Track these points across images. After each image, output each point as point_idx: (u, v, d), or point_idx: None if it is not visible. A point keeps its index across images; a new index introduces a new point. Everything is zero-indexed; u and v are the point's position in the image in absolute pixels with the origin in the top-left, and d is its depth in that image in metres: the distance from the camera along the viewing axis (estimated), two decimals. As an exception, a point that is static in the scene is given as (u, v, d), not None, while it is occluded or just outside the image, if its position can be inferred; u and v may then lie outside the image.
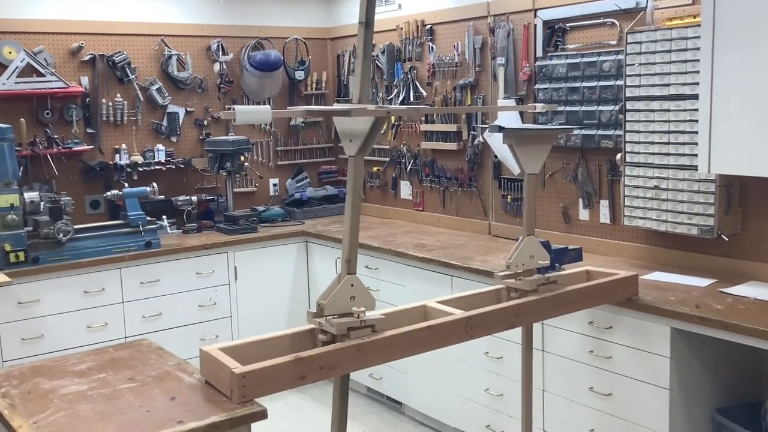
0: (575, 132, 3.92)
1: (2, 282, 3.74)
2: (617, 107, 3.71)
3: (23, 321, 4.07)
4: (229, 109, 2.09)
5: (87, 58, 4.84)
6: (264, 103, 5.56)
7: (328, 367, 2.23)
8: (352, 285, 2.33)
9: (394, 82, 5.18)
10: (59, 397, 2.16)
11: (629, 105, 3.57)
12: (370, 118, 2.25)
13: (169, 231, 4.88)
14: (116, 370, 2.38)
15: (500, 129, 2.85)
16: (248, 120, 2.29)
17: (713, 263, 3.48)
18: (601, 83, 3.80)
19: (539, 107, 3.15)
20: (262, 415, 2.06)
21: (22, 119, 4.48)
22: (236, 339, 4.74)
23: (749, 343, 2.73)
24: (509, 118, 4.18)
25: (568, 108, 3.96)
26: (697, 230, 3.38)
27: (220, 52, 5.33)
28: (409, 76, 5.05)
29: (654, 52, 3.43)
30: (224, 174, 5.16)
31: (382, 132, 5.33)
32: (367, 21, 2.29)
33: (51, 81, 4.59)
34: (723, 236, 3.33)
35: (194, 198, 5.09)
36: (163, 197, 4.96)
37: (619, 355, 3.16)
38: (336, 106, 2.48)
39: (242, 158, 5.17)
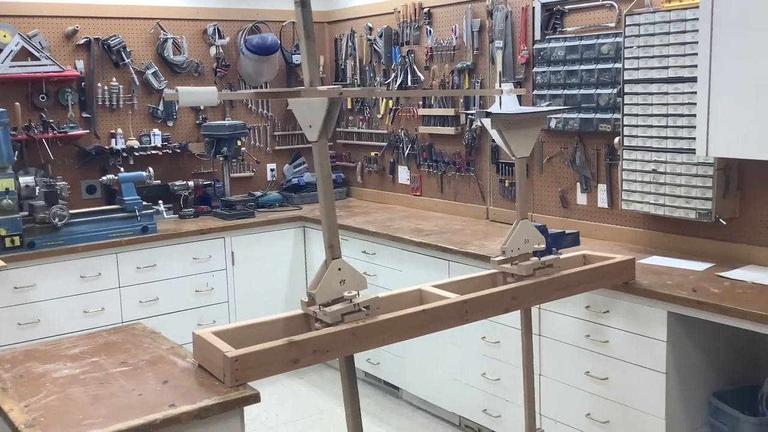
0: (572, 116, 3.89)
1: (-3, 267, 3.73)
2: (615, 90, 3.68)
3: (19, 306, 4.06)
4: (175, 90, 2.05)
5: (82, 41, 4.80)
6: (260, 88, 5.52)
7: (321, 351, 2.22)
8: (339, 269, 2.32)
9: (392, 66, 5.15)
10: (51, 381, 2.15)
11: (627, 88, 3.54)
12: (325, 101, 2.22)
13: (166, 216, 4.86)
14: (109, 354, 2.37)
15: (487, 114, 2.83)
16: (193, 101, 2.25)
17: (711, 247, 3.46)
18: (600, 66, 3.77)
19: (506, 89, 3.12)
20: (254, 398, 2.05)
21: (17, 103, 4.45)
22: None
23: (746, 327, 2.71)
24: (508, 103, 4.15)
25: (566, 91, 3.93)
26: (695, 214, 3.36)
27: (217, 35, 5.29)
28: (406, 59, 5.01)
29: (653, 35, 3.40)
30: (221, 159, 5.13)
31: (379, 116, 5.32)
32: (302, 0, 2.25)
33: (46, 65, 4.56)
34: (721, 220, 3.31)
35: (191, 183, 5.07)
36: (159, 182, 4.93)
37: (615, 339, 3.15)
38: (286, 89, 2.46)
39: (239, 143, 5.13)
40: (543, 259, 2.87)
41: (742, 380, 3.20)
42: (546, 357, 3.47)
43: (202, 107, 5.29)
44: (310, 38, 2.26)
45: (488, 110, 2.86)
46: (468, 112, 4.58)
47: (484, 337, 3.77)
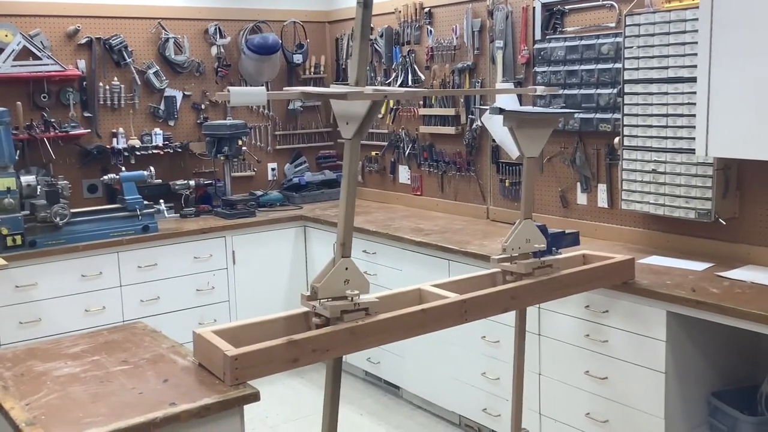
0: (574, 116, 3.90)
1: (-1, 265, 3.75)
2: (615, 90, 3.69)
3: (20, 305, 4.07)
4: (226, 91, 2.08)
5: (84, 41, 4.81)
6: (263, 86, 5.54)
7: (321, 350, 2.23)
8: (346, 268, 2.33)
9: (393, 66, 5.16)
10: (52, 379, 2.16)
11: (627, 88, 3.54)
12: (367, 101, 2.23)
13: (167, 215, 4.86)
14: (110, 353, 2.38)
15: (501, 111, 2.83)
16: (243, 101, 2.27)
17: (710, 247, 3.47)
18: (600, 66, 3.77)
19: (540, 90, 3.12)
20: (254, 397, 2.06)
21: (19, 103, 4.46)
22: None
23: (745, 326, 2.72)
24: (508, 102, 4.15)
25: (566, 91, 3.94)
26: (695, 214, 3.36)
27: (218, 35, 5.30)
28: (407, 59, 5.02)
29: (653, 35, 3.41)
30: (222, 158, 5.14)
31: (380, 116, 5.33)
32: (366, 1, 2.26)
33: (47, 64, 4.57)
34: (720, 220, 3.32)
35: (192, 182, 5.08)
36: (160, 181, 4.94)
37: (615, 339, 3.15)
38: (333, 89, 2.46)
39: (240, 142, 5.14)
40: (543, 258, 2.88)
41: (741, 380, 3.20)
42: (546, 356, 3.47)
43: (203, 106, 5.30)
44: (365, 39, 2.25)
45: (501, 107, 2.85)
46: (479, 107, 4.52)
47: (484, 337, 3.78)
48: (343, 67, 5.70)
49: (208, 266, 4.73)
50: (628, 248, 3.68)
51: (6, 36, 4.50)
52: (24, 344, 2.71)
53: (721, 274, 3.14)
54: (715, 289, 2.95)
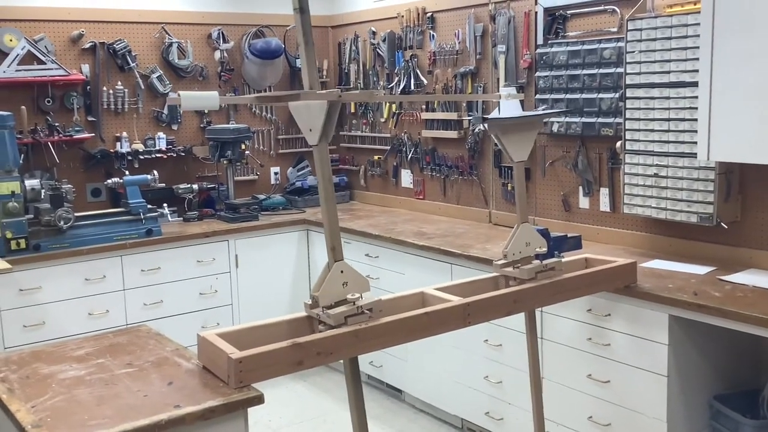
0: (575, 120, 3.91)
1: (3, 269, 3.76)
2: (617, 95, 3.70)
3: (25, 308, 4.08)
4: (177, 95, 2.09)
5: (88, 45, 4.84)
6: (264, 92, 5.56)
7: (325, 353, 2.24)
8: (342, 271, 2.34)
9: (395, 71, 5.17)
10: (57, 382, 2.17)
11: (629, 92, 3.55)
12: (324, 104, 2.25)
13: (170, 219, 4.88)
14: (115, 356, 2.39)
15: (484, 119, 2.86)
16: (194, 106, 2.29)
17: (712, 251, 3.48)
18: (602, 71, 3.79)
19: (504, 93, 3.15)
20: (258, 400, 2.07)
21: (23, 107, 4.48)
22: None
23: (747, 330, 2.73)
24: (510, 107, 4.16)
25: (568, 96, 3.95)
26: (697, 218, 3.37)
27: (221, 40, 5.32)
28: (410, 64, 5.04)
29: (654, 39, 3.42)
30: (225, 162, 5.16)
31: (383, 120, 5.35)
32: (301, 6, 2.30)
33: (52, 69, 4.59)
34: (722, 224, 3.32)
35: (195, 186, 5.10)
36: (164, 185, 4.95)
37: (617, 343, 3.16)
38: (285, 92, 2.49)
39: (243, 146, 5.17)
40: (545, 262, 2.89)
41: (743, 383, 3.21)
42: (548, 360, 3.48)
43: (206, 111, 5.32)
44: (309, 44, 2.30)
45: (485, 116, 2.89)
46: (477, 115, 4.56)
47: (486, 340, 3.79)
48: (346, 71, 5.72)
49: (212, 270, 4.75)
50: (630, 252, 3.69)
51: (11, 41, 4.53)
52: (28, 347, 2.72)
53: (723, 277, 3.15)
54: (717, 292, 2.95)
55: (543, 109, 3.96)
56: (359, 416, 2.43)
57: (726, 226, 3.33)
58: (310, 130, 2.33)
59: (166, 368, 2.27)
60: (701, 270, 3.29)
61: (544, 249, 2.90)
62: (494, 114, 3.15)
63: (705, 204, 3.33)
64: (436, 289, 2.72)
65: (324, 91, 2.27)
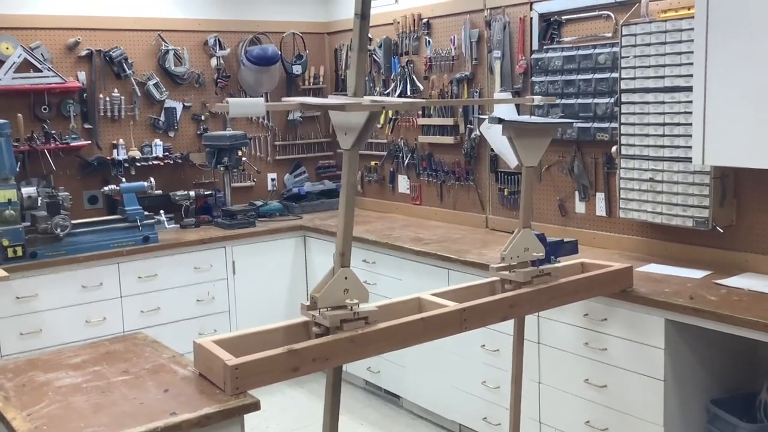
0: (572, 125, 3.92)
1: (0, 277, 3.75)
2: (612, 100, 3.71)
3: (21, 316, 4.08)
4: (224, 101, 2.10)
5: (84, 53, 4.84)
6: (263, 97, 5.57)
7: (321, 359, 2.24)
8: (346, 278, 2.34)
9: (391, 76, 5.19)
10: (54, 390, 2.17)
11: (624, 97, 3.57)
12: (365, 112, 2.25)
13: (167, 226, 4.89)
14: (111, 363, 2.39)
15: (500, 121, 2.86)
16: (242, 113, 2.29)
17: (708, 255, 3.48)
18: (597, 76, 3.80)
19: (537, 99, 3.15)
20: (255, 406, 2.07)
21: (20, 115, 4.48)
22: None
23: (743, 334, 2.73)
24: (506, 112, 4.18)
25: (564, 101, 3.96)
26: (692, 222, 3.38)
27: (217, 47, 5.33)
28: (406, 69, 5.05)
29: (649, 45, 3.43)
30: (222, 169, 5.16)
31: (379, 126, 5.36)
32: (363, 12, 2.27)
33: (48, 76, 4.60)
34: (718, 228, 3.33)
35: (192, 193, 5.10)
36: (160, 192, 4.95)
37: (614, 347, 3.17)
38: (331, 100, 2.47)
39: (240, 153, 5.17)
40: (541, 267, 2.89)
41: (740, 387, 3.21)
42: (545, 365, 3.48)
43: (203, 117, 5.33)
44: (363, 51, 2.25)
45: (501, 117, 2.88)
46: (477, 116, 4.54)
47: (483, 345, 3.79)
48: (342, 77, 5.73)
49: (209, 276, 4.75)
50: (626, 256, 3.70)
51: (7, 48, 4.53)
52: (25, 355, 2.72)
53: (719, 281, 3.16)
54: (713, 296, 2.96)
55: (559, 117, 3.95)
56: (332, 422, 2.42)
57: (721, 230, 3.34)
58: (345, 134, 2.31)
59: (162, 375, 2.27)
60: (697, 274, 3.30)
61: (541, 255, 2.91)
62: (490, 117, 3.15)
63: (700, 208, 3.33)
64: (433, 294, 2.72)
65: (368, 101, 2.25)
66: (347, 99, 2.30)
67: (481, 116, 4.49)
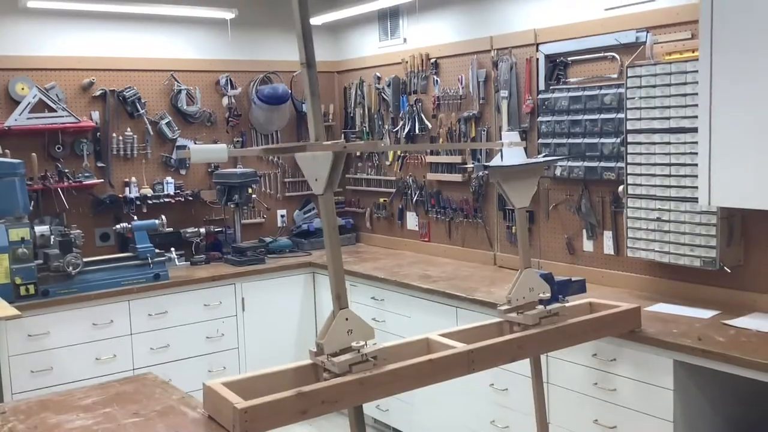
0: (577, 164, 3.95)
1: (13, 315, 3.78)
2: (619, 140, 3.75)
3: (33, 353, 4.10)
4: (186, 148, 2.15)
5: (98, 93, 4.93)
6: (271, 136, 5.65)
7: (330, 402, 2.25)
8: (346, 319, 2.36)
9: (400, 114, 5.25)
10: (65, 432, 2.19)
11: (630, 138, 3.60)
12: (329, 155, 2.30)
13: (177, 263, 4.92)
14: (121, 405, 2.41)
15: (485, 167, 2.90)
16: (203, 159, 2.34)
17: (716, 295, 3.48)
18: (603, 116, 3.84)
19: (506, 140, 3.20)
20: (263, 449, 2.08)
21: (34, 154, 4.56)
22: (243, 370, 4.78)
23: (751, 375, 2.72)
24: (513, 152, 4.21)
25: (570, 140, 4.00)
26: (700, 262, 3.39)
27: (229, 86, 5.42)
28: (414, 108, 5.11)
29: (654, 86, 3.47)
30: (232, 206, 5.22)
31: (388, 163, 5.41)
32: (308, 61, 2.36)
33: (62, 116, 4.68)
34: (725, 268, 3.34)
35: (202, 230, 5.15)
36: (171, 229, 5.00)
37: (623, 388, 3.16)
38: (291, 144, 2.54)
39: (250, 190, 5.23)
40: (549, 307, 2.91)
41: (749, 429, 3.19)
42: (554, 405, 3.47)
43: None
44: (315, 95, 2.36)
45: (486, 163, 2.94)
46: (478, 164, 4.60)
47: (492, 384, 3.78)
48: (351, 115, 5.80)
49: (218, 313, 4.77)
50: (634, 295, 3.70)
51: (22, 89, 4.63)
52: (36, 393, 2.74)
53: (727, 322, 3.16)
54: (721, 337, 2.96)
55: (544, 156, 4.00)
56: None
57: (729, 270, 3.35)
58: (316, 180, 2.37)
59: (172, 417, 2.28)
60: (705, 314, 3.30)
61: (548, 294, 2.92)
62: (496, 160, 3.20)
63: (707, 248, 3.35)
64: (441, 335, 2.73)
65: (329, 142, 2.32)
66: (309, 143, 2.35)
67: (486, 164, 4.52)
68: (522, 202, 2.96)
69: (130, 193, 5.01)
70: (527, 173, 2.98)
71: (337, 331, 2.33)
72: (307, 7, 2.34)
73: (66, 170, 4.74)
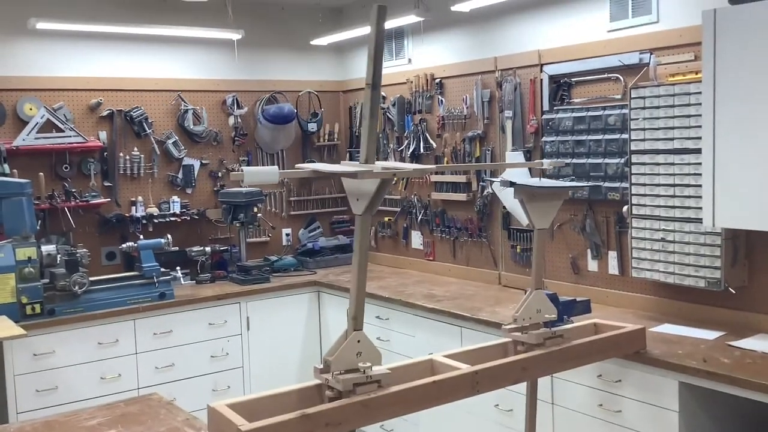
0: (581, 184, 3.96)
1: (18, 335, 3.79)
2: (623, 160, 3.76)
3: (38, 372, 4.11)
4: (238, 170, 2.15)
5: (105, 113, 4.97)
6: (277, 155, 5.68)
7: (334, 424, 2.25)
8: (358, 341, 2.36)
9: (405, 134, 5.27)
10: (70, 454, 2.20)
11: (634, 158, 3.61)
12: (377, 179, 2.30)
13: (183, 282, 4.94)
14: (126, 426, 2.41)
15: (512, 184, 2.90)
16: (256, 181, 2.33)
17: (721, 315, 3.48)
18: (607, 136, 3.86)
19: (546, 163, 3.20)
20: (267, 472, 2.08)
21: (41, 173, 4.59)
22: (248, 389, 4.77)
23: (756, 398, 2.72)
24: (518, 173, 4.23)
25: (574, 160, 4.01)
26: (705, 283, 3.39)
27: (235, 106, 5.45)
28: (419, 128, 5.14)
29: (657, 107, 3.49)
30: (238, 225, 5.24)
31: (393, 183, 5.41)
32: (374, 82, 2.33)
33: (70, 136, 4.72)
34: (730, 289, 3.34)
35: (208, 248, 5.16)
36: (177, 248, 5.01)
37: (628, 409, 3.15)
38: (343, 167, 2.52)
39: (255, 209, 5.25)
40: (553, 328, 2.90)
41: (757, 451, 3.18)
42: (559, 426, 3.46)
43: (220, 174, 5.42)
44: (374, 118, 2.30)
45: (512, 180, 2.94)
46: (489, 179, 4.59)
47: (497, 405, 3.77)
48: (357, 134, 5.83)
49: (223, 332, 4.77)
50: (639, 315, 3.70)
51: (30, 109, 4.67)
52: (41, 412, 2.74)
53: (733, 343, 3.15)
54: (727, 359, 2.95)
55: (570, 178, 4.00)
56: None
57: (734, 291, 3.34)
58: (357, 199, 2.36)
59: (176, 439, 2.29)
60: (710, 335, 3.29)
61: (554, 317, 2.92)
62: (502, 178, 3.21)
63: (712, 269, 3.35)
64: (445, 356, 2.73)
65: (379, 168, 2.29)
66: (359, 166, 2.34)
67: (492, 179, 4.53)
68: (543, 223, 2.96)
69: (136, 212, 5.04)
70: (552, 196, 2.98)
71: (347, 351, 2.33)
72: (383, 32, 2.29)
73: (73, 189, 4.77)
